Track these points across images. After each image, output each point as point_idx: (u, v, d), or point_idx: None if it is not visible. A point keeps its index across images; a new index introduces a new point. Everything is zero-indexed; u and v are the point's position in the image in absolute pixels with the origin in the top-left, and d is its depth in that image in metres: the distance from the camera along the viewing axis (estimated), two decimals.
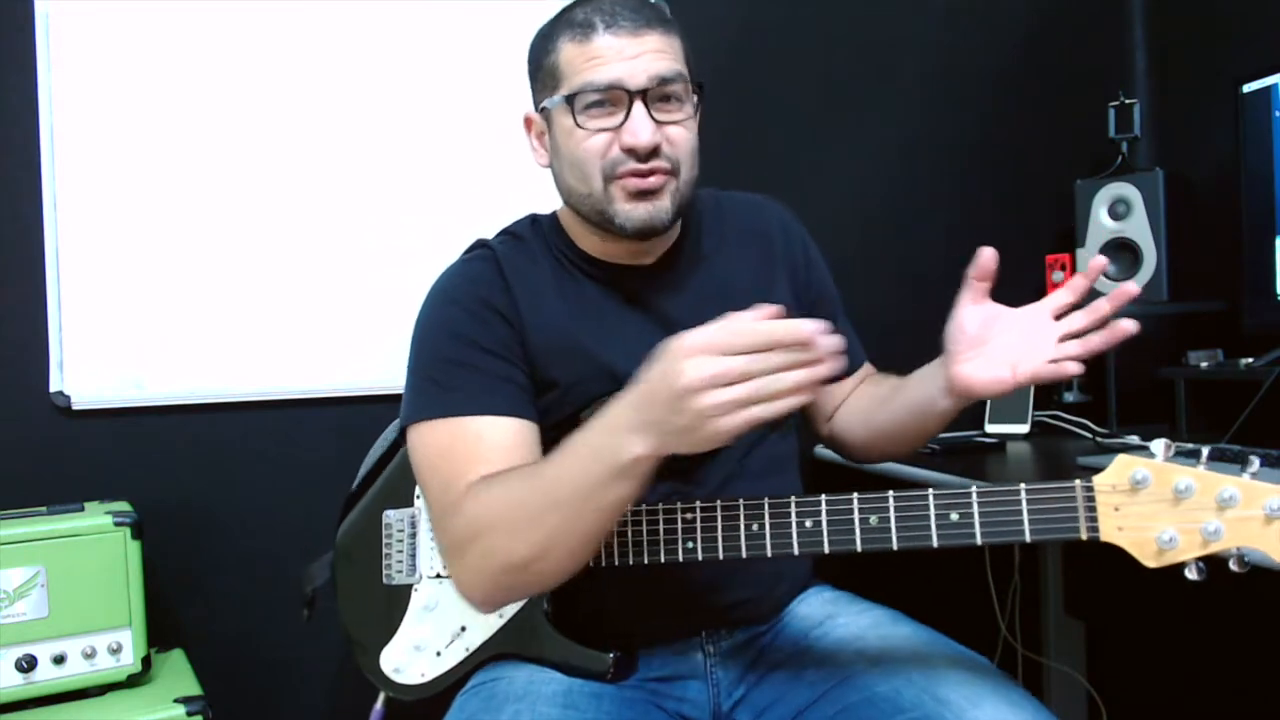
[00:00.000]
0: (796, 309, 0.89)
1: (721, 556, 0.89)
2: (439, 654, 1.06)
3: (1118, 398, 1.65)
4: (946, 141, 1.95)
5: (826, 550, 0.86)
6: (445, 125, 1.65)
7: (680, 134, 1.00)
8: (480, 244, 1.12)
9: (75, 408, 1.45)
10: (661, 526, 0.91)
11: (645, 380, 0.80)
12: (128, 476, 1.47)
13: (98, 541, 1.26)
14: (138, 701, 1.24)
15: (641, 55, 0.97)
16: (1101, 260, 0.95)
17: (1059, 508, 0.81)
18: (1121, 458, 0.80)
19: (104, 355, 1.47)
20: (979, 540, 0.82)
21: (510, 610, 1.03)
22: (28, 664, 1.21)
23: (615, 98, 0.98)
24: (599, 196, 1.00)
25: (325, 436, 1.58)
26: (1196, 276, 1.74)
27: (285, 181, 1.57)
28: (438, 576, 1.07)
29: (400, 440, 1.08)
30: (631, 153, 0.98)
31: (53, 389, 1.45)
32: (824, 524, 0.86)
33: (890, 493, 0.85)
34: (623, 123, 0.97)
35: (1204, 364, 1.57)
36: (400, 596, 1.09)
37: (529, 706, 0.93)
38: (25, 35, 1.43)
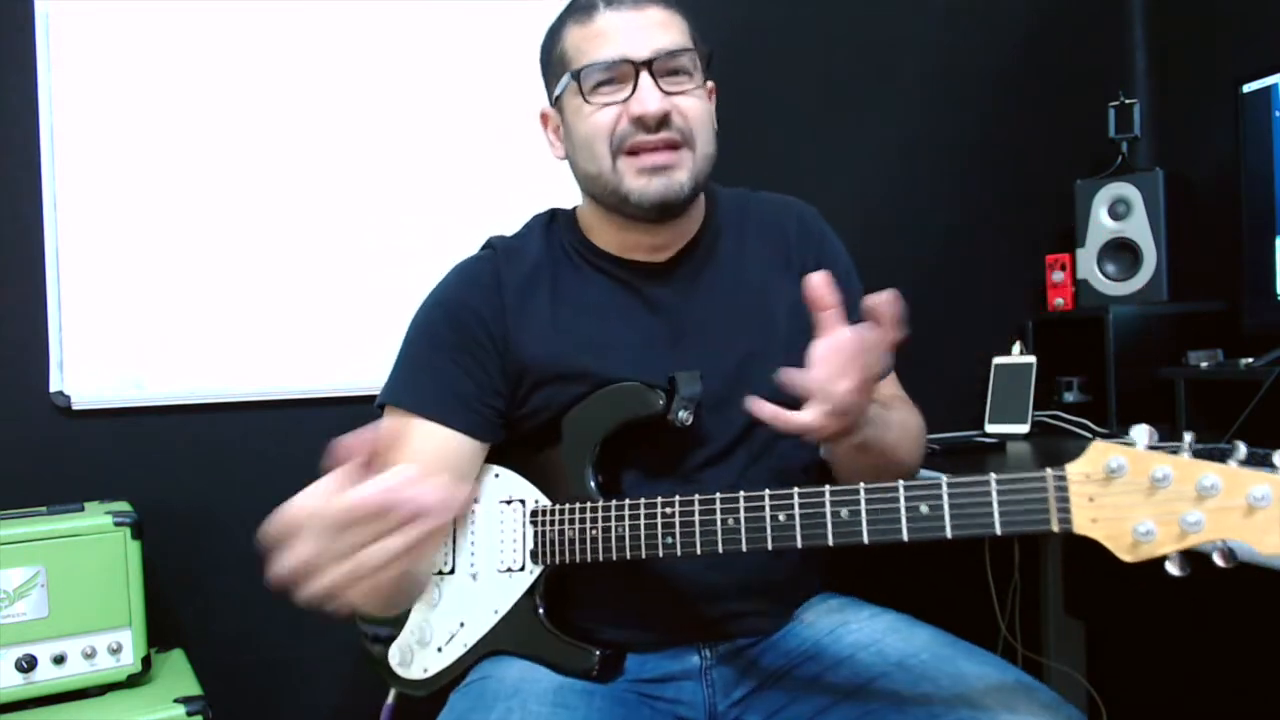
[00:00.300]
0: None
1: (699, 551, 0.90)
2: (440, 650, 1.06)
3: (1118, 398, 1.65)
4: (946, 141, 1.95)
5: (799, 544, 0.85)
6: (445, 125, 1.65)
7: (691, 104, 1.00)
8: (488, 244, 1.13)
9: (75, 408, 1.45)
10: (643, 521, 0.92)
11: None
12: (128, 476, 1.47)
13: (98, 541, 1.26)
14: (138, 701, 1.24)
15: (645, 28, 0.98)
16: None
17: (1030, 499, 0.76)
18: (1097, 444, 0.73)
19: (104, 355, 1.47)
20: (949, 534, 0.78)
21: (506, 607, 1.03)
22: (28, 664, 1.20)
23: (622, 74, 0.98)
24: (609, 175, 1.00)
25: (325, 436, 1.54)
26: (1196, 276, 1.74)
27: (285, 182, 1.56)
28: (438, 573, 1.07)
29: None
30: (640, 123, 0.97)
31: (53, 389, 1.44)
32: (797, 518, 0.85)
33: (861, 485, 0.83)
34: (631, 95, 0.97)
35: (1204, 364, 1.57)
36: None
37: (520, 704, 0.93)
38: (25, 35, 1.43)
